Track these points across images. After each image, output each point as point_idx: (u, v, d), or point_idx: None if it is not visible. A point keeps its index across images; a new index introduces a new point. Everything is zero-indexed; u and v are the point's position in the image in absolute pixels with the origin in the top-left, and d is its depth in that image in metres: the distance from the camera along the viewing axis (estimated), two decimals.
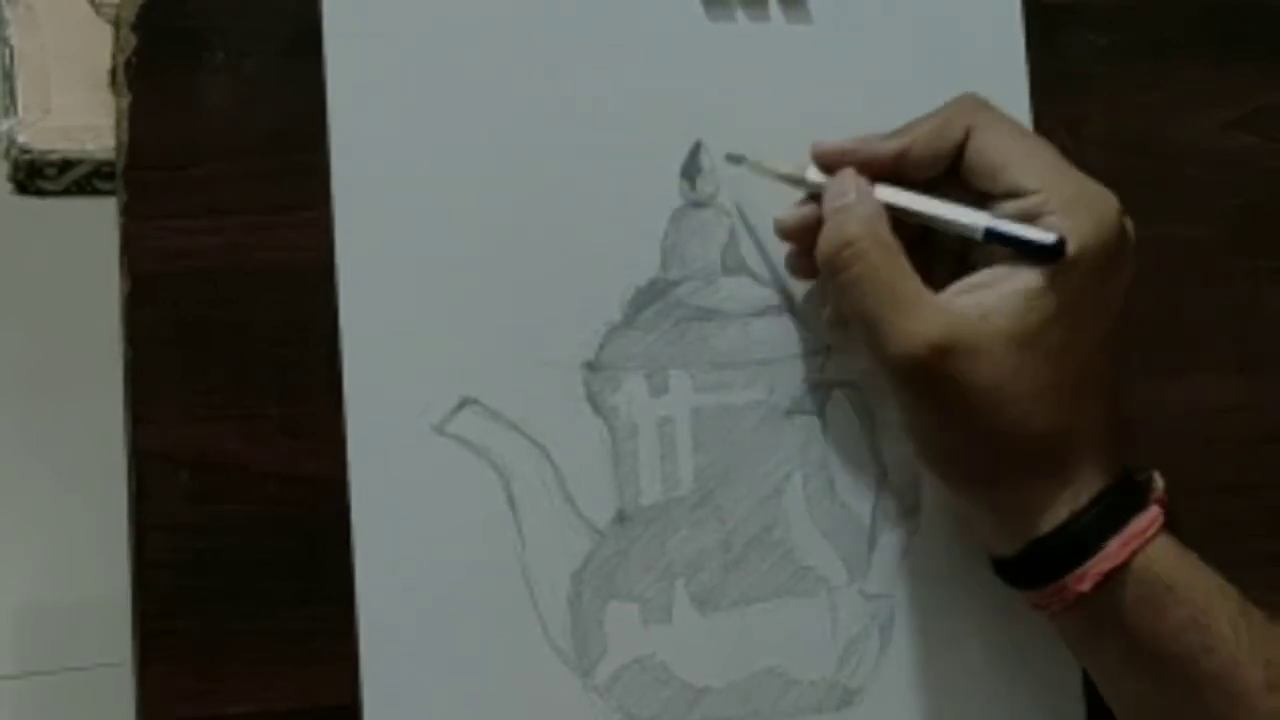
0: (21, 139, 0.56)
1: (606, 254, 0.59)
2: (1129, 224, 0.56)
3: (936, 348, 0.53)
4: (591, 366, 0.58)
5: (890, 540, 0.61)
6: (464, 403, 0.57)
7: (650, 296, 0.59)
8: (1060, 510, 0.55)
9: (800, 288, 0.61)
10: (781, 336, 0.60)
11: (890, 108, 0.61)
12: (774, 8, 0.62)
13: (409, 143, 0.57)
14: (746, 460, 0.60)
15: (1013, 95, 0.64)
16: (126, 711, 0.55)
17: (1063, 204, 0.54)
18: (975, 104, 0.57)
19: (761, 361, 0.60)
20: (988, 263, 0.55)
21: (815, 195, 0.58)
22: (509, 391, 0.57)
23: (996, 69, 0.64)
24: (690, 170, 0.60)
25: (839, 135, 0.59)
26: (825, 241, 0.56)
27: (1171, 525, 0.57)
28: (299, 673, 0.56)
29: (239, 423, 0.56)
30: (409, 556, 0.56)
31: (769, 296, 0.60)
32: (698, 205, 0.60)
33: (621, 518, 0.58)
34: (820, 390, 0.61)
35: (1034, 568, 0.56)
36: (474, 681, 0.56)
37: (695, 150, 0.60)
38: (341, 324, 0.56)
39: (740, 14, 0.61)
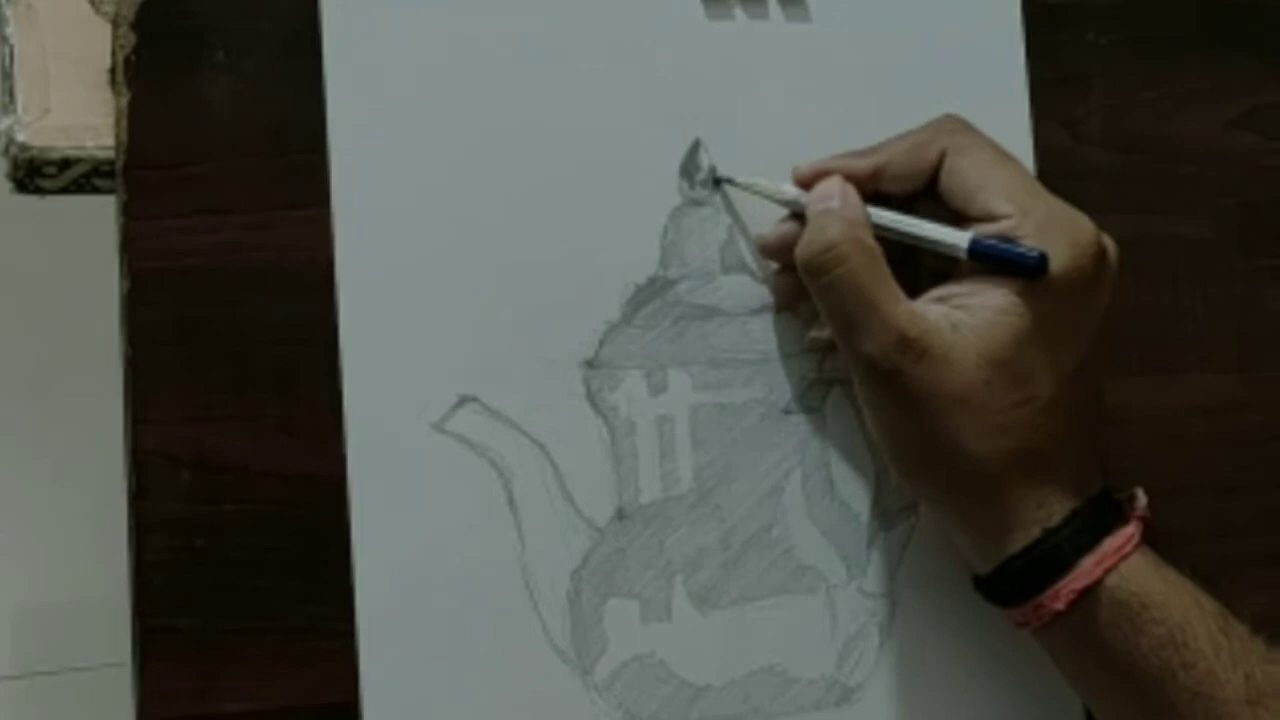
0: (21, 137, 0.56)
1: (606, 252, 0.59)
2: (1111, 248, 0.56)
3: (906, 348, 0.54)
4: (591, 364, 0.58)
5: (889, 538, 0.61)
6: (463, 401, 0.57)
7: (649, 295, 0.59)
8: (1032, 529, 0.55)
9: None
10: (780, 335, 0.61)
11: (889, 107, 0.61)
12: (773, 7, 0.62)
13: (408, 142, 0.57)
14: (745, 458, 0.60)
15: (1013, 95, 0.64)
16: (126, 711, 0.55)
17: (1035, 228, 0.55)
18: (954, 126, 0.58)
19: (760, 360, 0.60)
20: (966, 276, 0.56)
21: (797, 214, 0.58)
22: (508, 390, 0.57)
23: (996, 69, 0.64)
24: (689, 168, 0.60)
25: (838, 134, 0.59)
26: (807, 244, 0.56)
27: (1171, 525, 0.57)
28: (299, 672, 0.55)
29: (239, 422, 0.56)
30: (408, 555, 0.56)
31: (767, 295, 0.60)
32: (697, 203, 0.60)
33: (621, 516, 0.58)
34: (819, 388, 0.61)
35: (1008, 585, 0.56)
36: (474, 680, 0.56)
37: (694, 148, 0.60)
38: (341, 323, 0.56)
39: (740, 13, 0.61)
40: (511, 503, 0.57)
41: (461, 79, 0.58)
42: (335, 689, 0.55)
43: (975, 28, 0.64)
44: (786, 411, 0.60)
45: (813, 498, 0.60)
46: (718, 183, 0.60)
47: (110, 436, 0.57)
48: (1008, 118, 0.64)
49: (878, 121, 0.59)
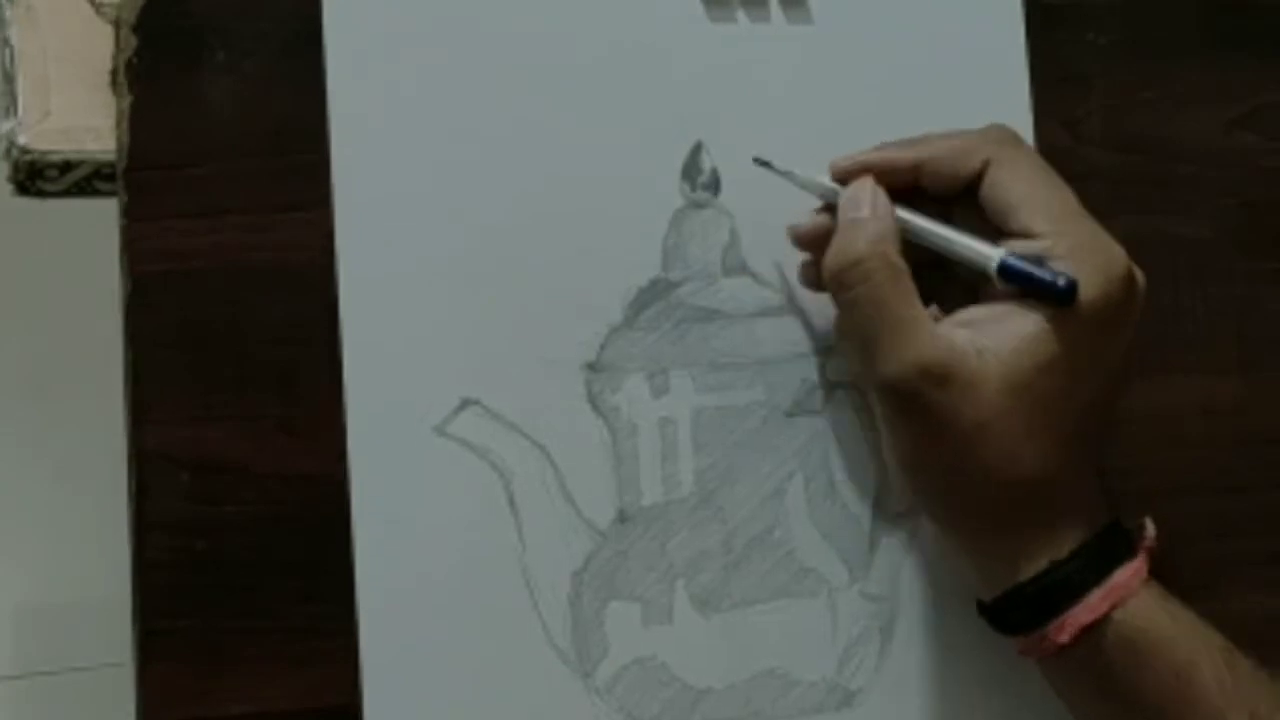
0: (22, 140, 0.56)
1: (607, 254, 0.59)
2: (1141, 281, 0.56)
3: (928, 373, 0.53)
4: (592, 367, 0.58)
5: (891, 541, 0.61)
6: (465, 403, 0.57)
7: (651, 297, 0.59)
8: (1040, 559, 0.54)
9: (801, 289, 0.61)
10: (782, 337, 0.60)
11: (891, 108, 0.62)
12: (774, 8, 0.62)
13: (409, 142, 0.57)
14: (747, 461, 0.60)
15: (1013, 95, 0.64)
16: (126, 711, 0.55)
17: (1069, 251, 0.54)
18: (1002, 137, 0.57)
19: (762, 362, 0.60)
20: (994, 298, 0.55)
21: (832, 206, 0.58)
22: (510, 392, 0.57)
23: (996, 69, 0.64)
24: (691, 170, 0.60)
25: (839, 135, 0.59)
26: (833, 256, 0.56)
27: (1171, 525, 0.57)
28: (299, 673, 0.56)
29: (239, 423, 0.56)
30: (409, 557, 0.56)
31: (770, 297, 0.60)
32: (698, 205, 0.60)
33: (622, 518, 0.58)
34: (821, 391, 0.61)
35: (1013, 614, 0.56)
36: (474, 682, 0.56)
37: (696, 150, 0.60)
38: (342, 324, 0.56)
39: (740, 14, 0.61)
40: (512, 505, 0.57)
41: (462, 80, 0.58)
42: (336, 690, 0.55)
43: (976, 28, 0.64)
44: (788, 414, 0.60)
45: (814, 500, 0.60)
46: (758, 162, 0.59)
47: (110, 436, 0.57)
48: (1008, 118, 0.63)
49: (879, 122, 0.59)
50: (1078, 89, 0.66)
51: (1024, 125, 0.64)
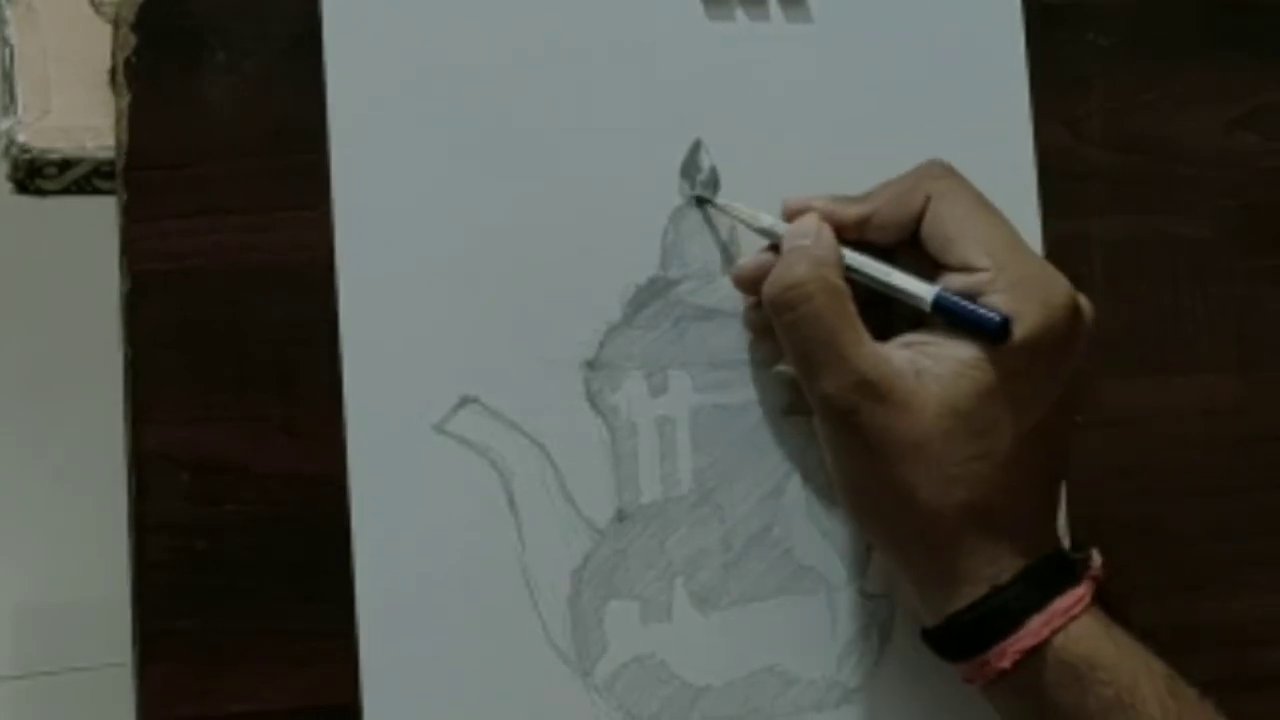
0: (21, 138, 0.56)
1: (606, 253, 0.59)
2: (1086, 309, 0.55)
3: (865, 389, 0.53)
4: (591, 365, 0.58)
5: None
6: (464, 402, 0.57)
7: (650, 295, 0.59)
8: (980, 585, 0.54)
9: None
10: None
11: (891, 108, 0.62)
12: (774, 8, 0.62)
13: (409, 142, 0.57)
14: (746, 459, 0.60)
15: (1013, 95, 0.64)
16: (126, 711, 0.55)
17: (1009, 284, 0.54)
18: (939, 171, 0.57)
19: (760, 361, 0.60)
20: (939, 324, 0.55)
21: (776, 246, 0.58)
22: (509, 390, 0.57)
23: (996, 69, 0.64)
24: (690, 169, 0.60)
25: (839, 135, 0.59)
26: (773, 280, 0.56)
27: (1170, 525, 0.57)
28: (299, 673, 0.56)
29: (239, 423, 0.56)
30: (408, 555, 0.56)
31: None
32: (697, 204, 0.60)
33: (621, 517, 0.58)
34: None
35: (954, 640, 0.55)
36: (474, 681, 0.56)
37: (695, 149, 0.60)
38: (341, 323, 0.56)
39: (740, 14, 0.61)
40: (512, 503, 0.57)
41: (462, 80, 0.58)
42: (336, 689, 0.55)
43: (975, 28, 0.64)
44: (786, 412, 0.60)
45: (813, 499, 0.60)
46: (700, 202, 0.60)
47: (110, 436, 0.57)
48: (1008, 118, 0.64)
49: (879, 122, 0.59)
50: (1078, 89, 0.66)
51: (1023, 125, 0.64)
